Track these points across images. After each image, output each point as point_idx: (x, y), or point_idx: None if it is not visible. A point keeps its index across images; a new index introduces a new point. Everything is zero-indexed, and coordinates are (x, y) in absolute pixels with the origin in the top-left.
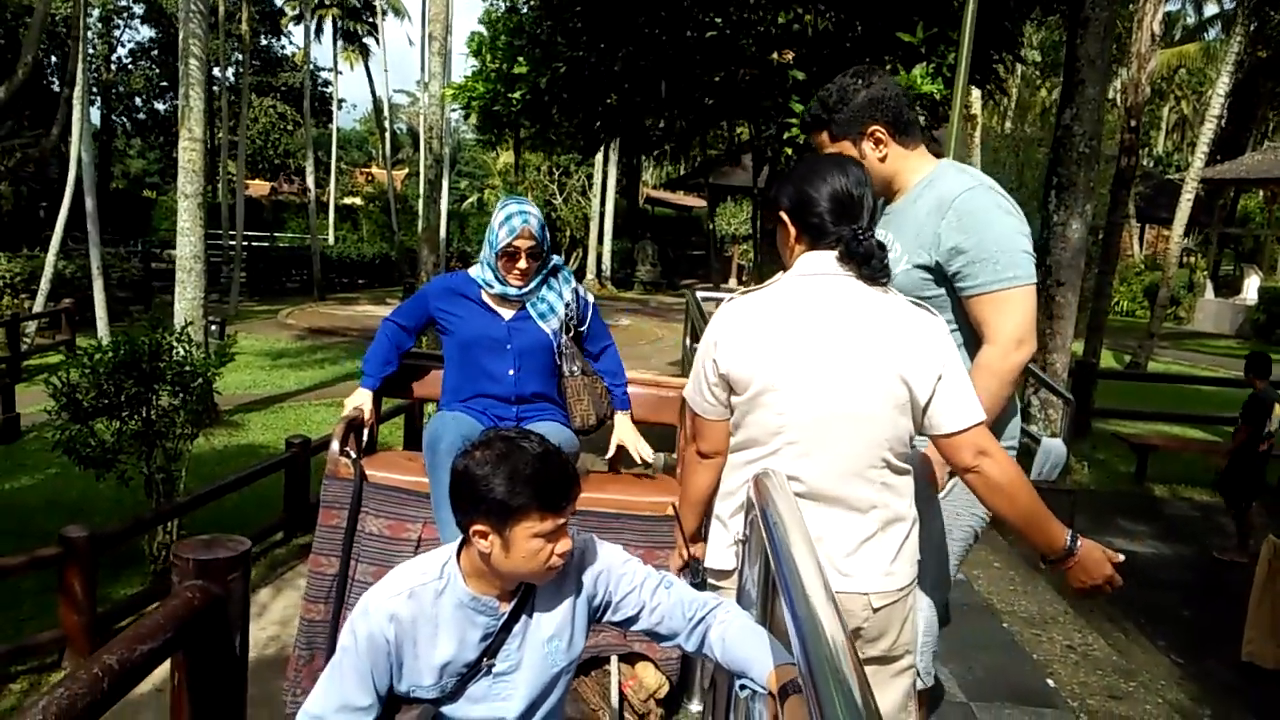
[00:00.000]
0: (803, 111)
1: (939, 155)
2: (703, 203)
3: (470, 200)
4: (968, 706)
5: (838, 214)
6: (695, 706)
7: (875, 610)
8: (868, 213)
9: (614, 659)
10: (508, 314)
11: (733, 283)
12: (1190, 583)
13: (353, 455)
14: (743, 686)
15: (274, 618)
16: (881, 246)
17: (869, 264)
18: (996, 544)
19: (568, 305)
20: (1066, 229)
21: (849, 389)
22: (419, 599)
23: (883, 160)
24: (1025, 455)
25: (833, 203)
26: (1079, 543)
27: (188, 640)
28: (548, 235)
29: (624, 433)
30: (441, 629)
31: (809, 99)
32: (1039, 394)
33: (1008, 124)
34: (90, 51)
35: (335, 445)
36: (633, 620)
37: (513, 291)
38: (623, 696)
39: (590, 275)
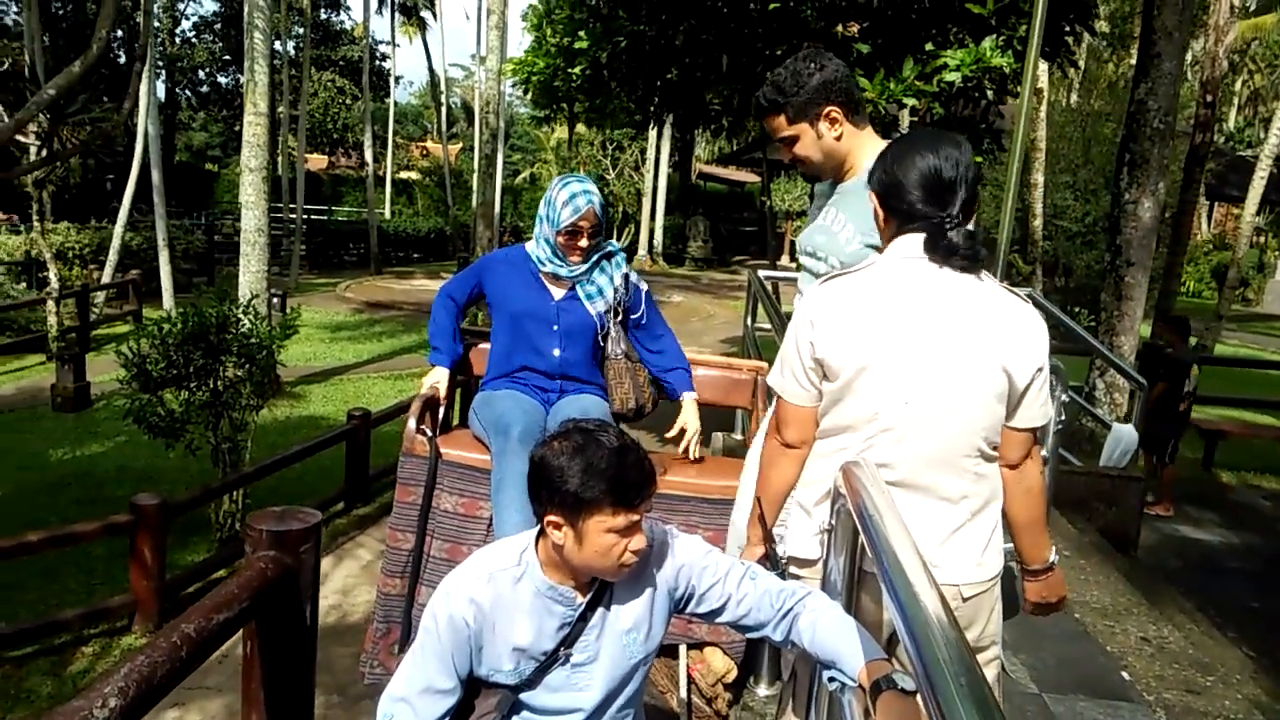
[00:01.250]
0: (756, 95)
1: (1007, 131)
2: (755, 178)
3: (523, 175)
4: (1040, 698)
5: (927, 198)
6: (763, 690)
7: (965, 600)
8: (960, 197)
9: (683, 645)
10: (558, 293)
11: (786, 260)
12: (1259, 572)
13: (429, 433)
14: (831, 679)
15: (335, 587)
16: (971, 236)
17: (950, 257)
18: (1066, 533)
19: (617, 290)
20: (1138, 207)
21: (948, 376)
22: (497, 584)
23: (838, 139)
24: (1091, 440)
25: (921, 186)
26: (1057, 560)
27: (261, 610)
28: (605, 214)
29: (689, 417)
30: (520, 615)
31: (874, 73)
32: (1105, 377)
33: (1073, 98)
34: (155, 25)
35: (412, 423)
36: (718, 612)
37: (565, 271)
38: (691, 680)
39: (642, 251)
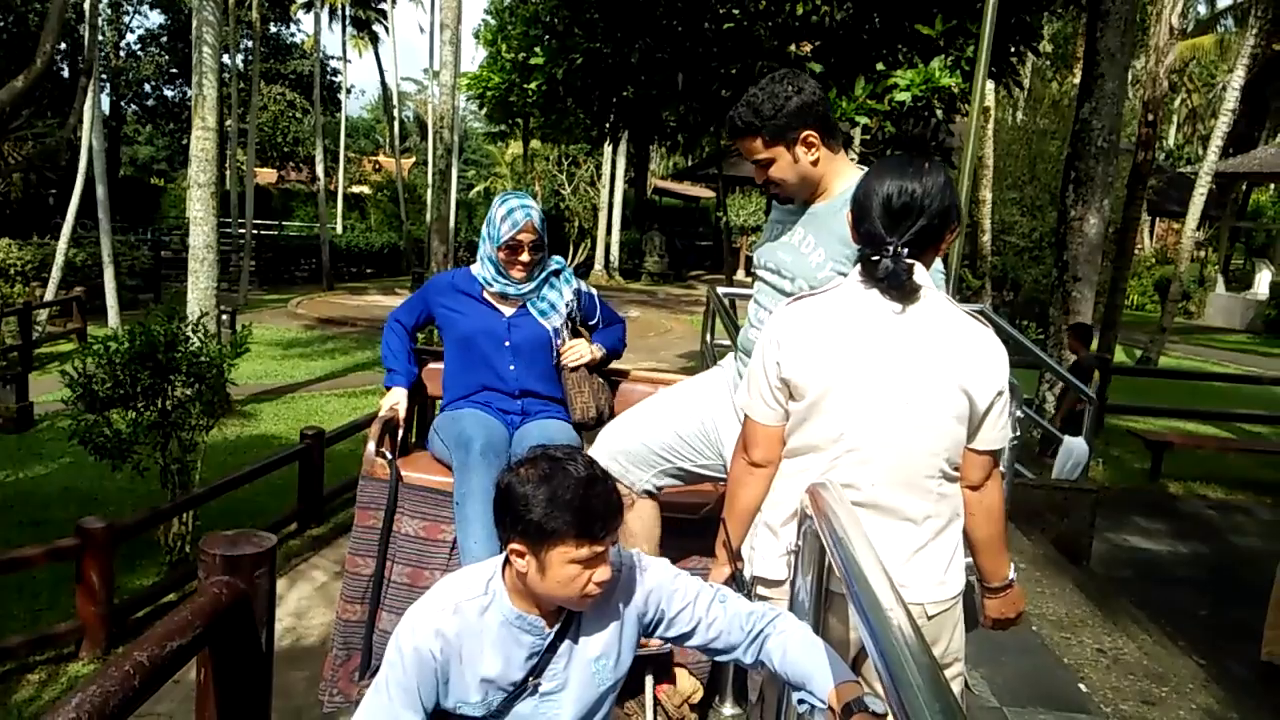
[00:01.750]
0: (731, 116)
1: (956, 148)
2: (710, 193)
3: (477, 189)
4: (1001, 711)
5: (880, 224)
6: (728, 710)
7: (929, 619)
8: (910, 226)
9: (647, 665)
10: (508, 311)
11: (742, 274)
12: (1207, 581)
13: (389, 456)
14: (801, 701)
15: (289, 609)
16: (910, 271)
17: (879, 283)
18: (1020, 545)
19: (569, 304)
20: (1084, 224)
21: (911, 398)
22: (464, 614)
23: (815, 164)
24: (1041, 453)
25: (877, 213)
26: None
27: (215, 636)
28: (546, 230)
29: (586, 344)
30: (487, 645)
31: (826, 92)
32: (1053, 389)
33: (1019, 115)
34: (100, 38)
35: (371, 445)
36: (687, 636)
37: (512, 290)
38: (657, 701)
39: (598, 266)
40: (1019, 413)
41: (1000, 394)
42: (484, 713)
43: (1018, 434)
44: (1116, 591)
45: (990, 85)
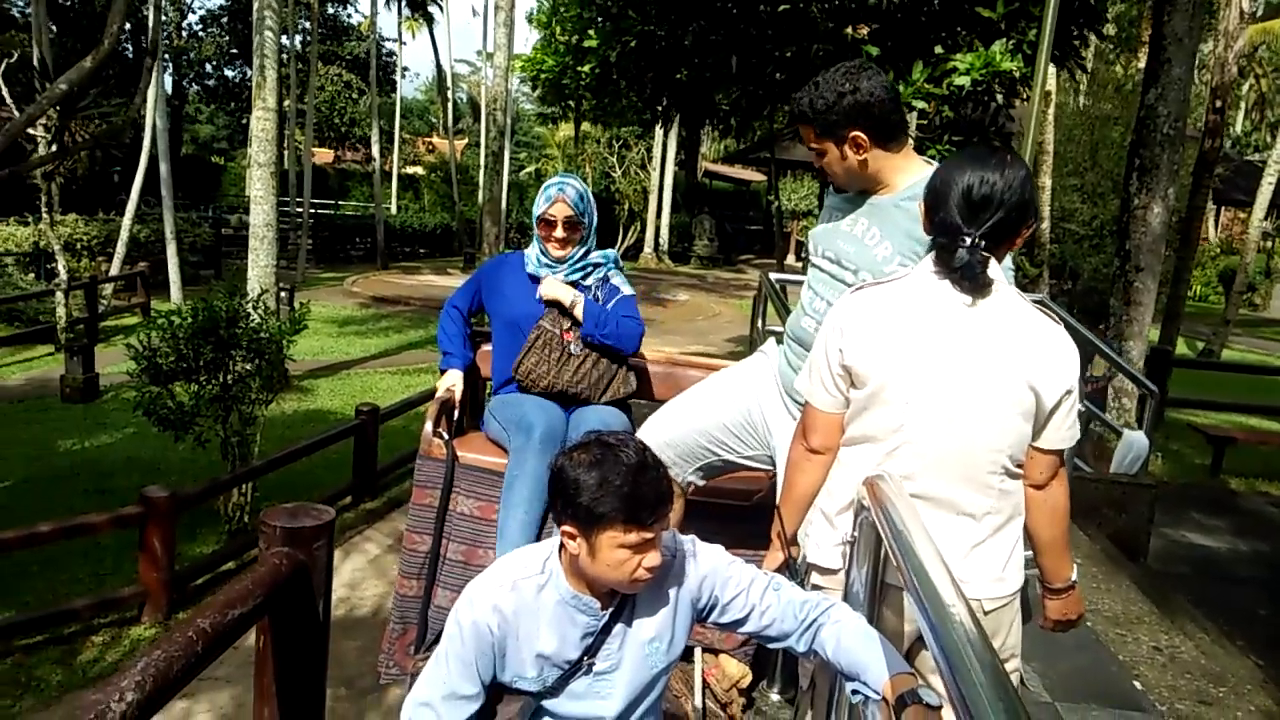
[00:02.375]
0: (794, 98)
1: (1015, 134)
2: (761, 177)
3: (528, 171)
4: (1054, 707)
5: (957, 215)
6: (775, 695)
7: (986, 614)
8: (989, 218)
9: (697, 649)
10: None
11: (792, 259)
12: (1268, 579)
13: (445, 436)
14: (855, 691)
15: (343, 580)
16: (985, 263)
17: (954, 275)
18: (1077, 541)
19: (599, 297)
20: (1148, 213)
21: (975, 392)
22: (521, 592)
23: (862, 164)
24: (1100, 446)
25: (955, 203)
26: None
27: (274, 605)
28: (591, 210)
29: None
30: (543, 623)
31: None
32: (1113, 382)
33: (1081, 100)
34: (162, 19)
35: (429, 426)
36: (741, 622)
37: (546, 272)
38: (706, 685)
39: (648, 249)
40: (1080, 407)
41: (1069, 392)
42: (540, 688)
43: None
44: (1174, 589)
45: (1052, 69)
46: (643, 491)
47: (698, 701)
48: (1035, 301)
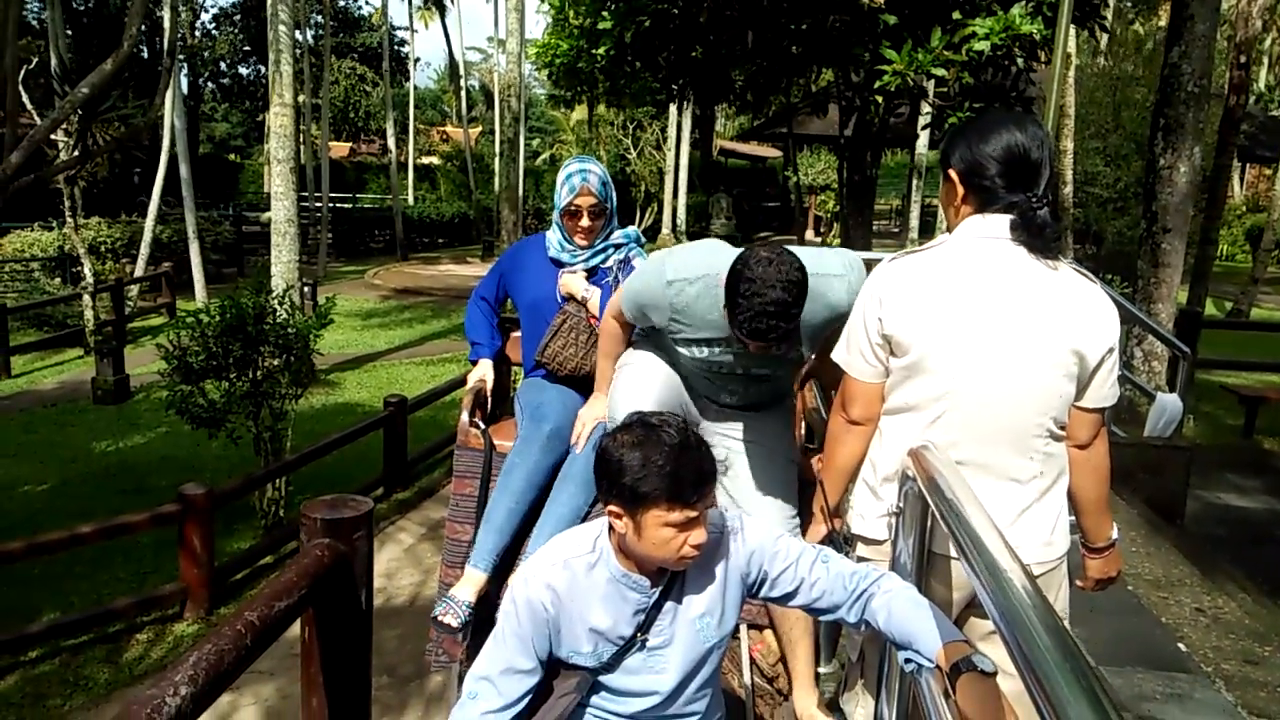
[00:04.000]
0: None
1: (1037, 98)
2: (777, 153)
3: (543, 156)
4: (1097, 670)
5: (1011, 178)
6: (821, 668)
7: (1036, 579)
8: (1044, 178)
9: (743, 626)
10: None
11: (811, 234)
12: None
13: (481, 426)
14: (908, 660)
15: (379, 570)
16: (1055, 217)
17: (1041, 235)
18: (1114, 504)
19: (617, 279)
20: (1174, 173)
21: (1019, 357)
22: (573, 570)
23: None
24: (1130, 410)
25: (1007, 166)
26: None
27: (318, 596)
28: (612, 194)
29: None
30: (596, 601)
31: (901, 45)
32: (1142, 345)
33: (1100, 61)
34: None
35: (464, 417)
36: (791, 596)
37: (568, 257)
38: (753, 661)
39: (665, 230)
40: (1118, 370)
41: (1111, 350)
42: (595, 664)
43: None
44: (1213, 550)
45: (1072, 31)
46: (685, 470)
47: (746, 679)
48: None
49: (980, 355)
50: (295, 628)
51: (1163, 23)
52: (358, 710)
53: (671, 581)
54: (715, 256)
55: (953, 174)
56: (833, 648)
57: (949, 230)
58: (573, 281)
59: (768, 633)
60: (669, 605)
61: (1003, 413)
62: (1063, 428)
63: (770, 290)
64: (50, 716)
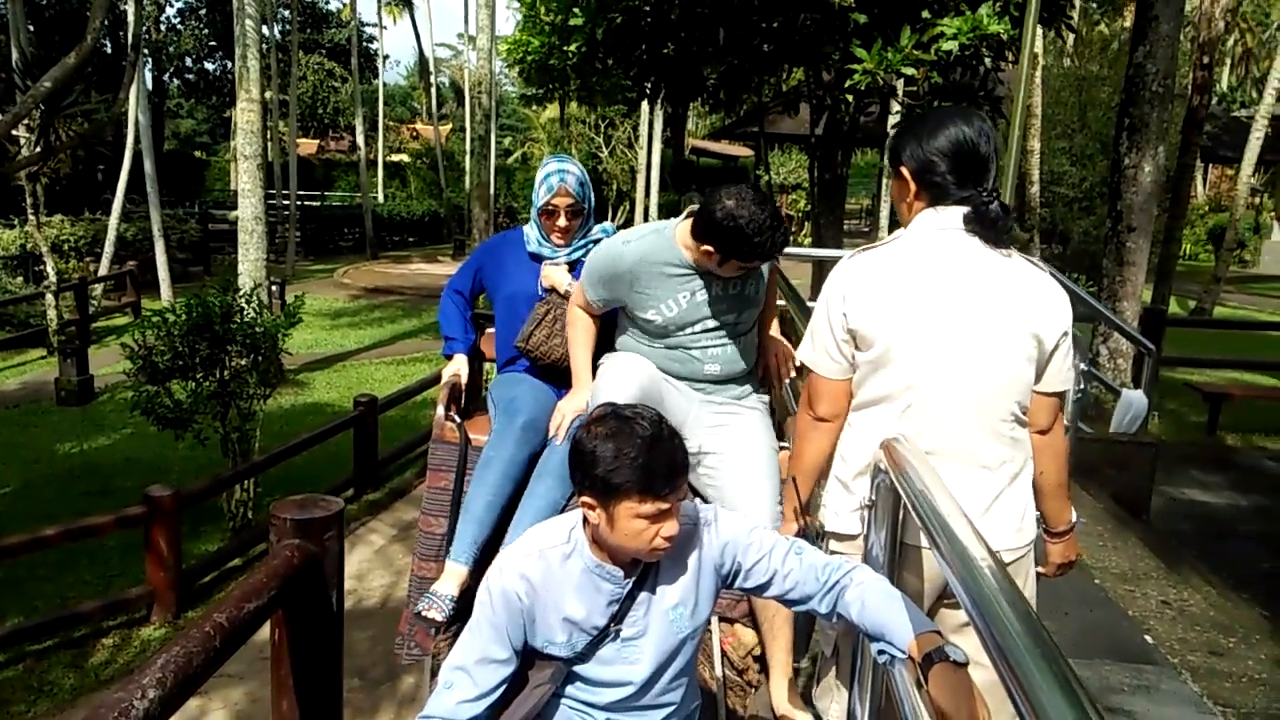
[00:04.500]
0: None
1: (1004, 97)
2: (749, 152)
3: (515, 155)
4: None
5: (961, 174)
6: (797, 663)
7: (1006, 565)
8: (992, 172)
9: (714, 619)
10: None
11: None
12: (1269, 533)
13: (457, 420)
14: (881, 652)
15: (350, 572)
16: (1005, 210)
17: (994, 228)
18: (1080, 499)
19: None
20: (1138, 172)
21: (983, 343)
22: (548, 560)
23: None
24: (1097, 407)
25: (956, 161)
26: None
27: (288, 598)
28: (590, 193)
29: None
30: (570, 591)
31: (871, 44)
32: (1108, 343)
33: (1066, 62)
34: (142, 13)
35: (440, 411)
36: (764, 587)
37: (548, 252)
38: (724, 654)
39: None
40: (1082, 365)
41: (1065, 334)
42: (570, 654)
43: (1081, 388)
44: (1178, 545)
45: (1039, 31)
46: (658, 463)
47: (717, 671)
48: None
49: (945, 344)
50: (265, 630)
51: (1127, 24)
52: (329, 713)
53: (645, 572)
54: (658, 224)
55: (904, 171)
56: (805, 642)
57: (903, 225)
58: (556, 273)
59: (737, 625)
60: (643, 596)
61: (970, 399)
62: (1025, 413)
63: (755, 209)
64: None
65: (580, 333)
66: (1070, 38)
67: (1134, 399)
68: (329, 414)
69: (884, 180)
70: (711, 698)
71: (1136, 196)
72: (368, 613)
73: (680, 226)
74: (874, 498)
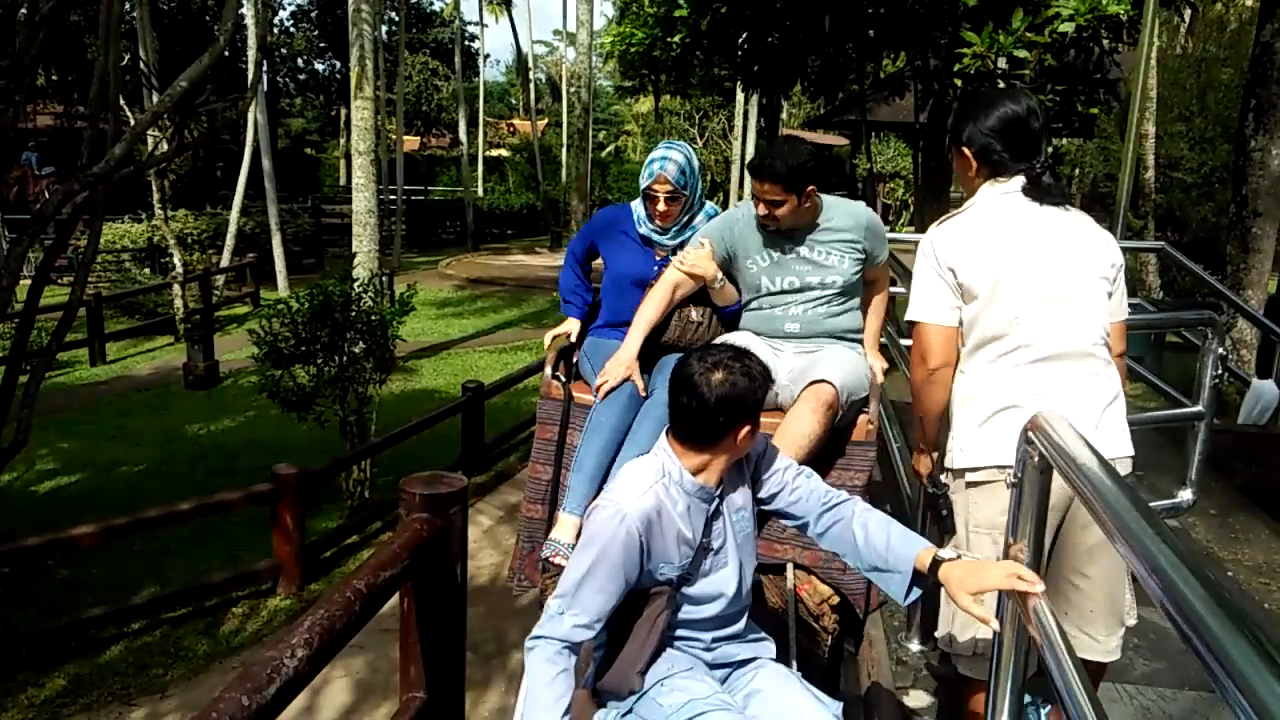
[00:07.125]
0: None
1: (1121, 79)
2: (844, 141)
3: (609, 149)
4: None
5: (1016, 150)
6: (915, 646)
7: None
8: (1044, 144)
9: (790, 565)
10: (661, 253)
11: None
12: None
13: (562, 378)
14: (877, 573)
15: None
16: (1056, 177)
17: (1049, 194)
18: (1210, 491)
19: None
20: (1266, 155)
21: (1071, 275)
22: (657, 493)
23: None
24: (1218, 397)
25: (1011, 139)
26: None
27: (418, 568)
28: (694, 180)
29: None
30: (678, 516)
31: (982, 27)
32: (1231, 332)
33: (1181, 42)
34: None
35: (548, 370)
36: (772, 498)
37: (654, 236)
38: (799, 598)
39: None
40: (1221, 350)
41: (1121, 269)
42: (679, 573)
43: (1219, 372)
44: None
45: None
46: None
47: (791, 613)
48: (1154, 249)
49: (1041, 275)
50: (388, 602)
51: (1249, 2)
52: (452, 680)
53: (722, 488)
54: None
55: (966, 151)
56: (928, 627)
57: (969, 195)
58: (702, 261)
59: (814, 577)
60: (721, 507)
61: (1068, 321)
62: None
63: (768, 148)
64: (153, 685)
65: (656, 300)
66: (1188, 16)
67: (1264, 389)
68: (437, 400)
69: None
70: (785, 636)
71: (1263, 180)
72: (479, 590)
73: None
74: (1020, 475)
